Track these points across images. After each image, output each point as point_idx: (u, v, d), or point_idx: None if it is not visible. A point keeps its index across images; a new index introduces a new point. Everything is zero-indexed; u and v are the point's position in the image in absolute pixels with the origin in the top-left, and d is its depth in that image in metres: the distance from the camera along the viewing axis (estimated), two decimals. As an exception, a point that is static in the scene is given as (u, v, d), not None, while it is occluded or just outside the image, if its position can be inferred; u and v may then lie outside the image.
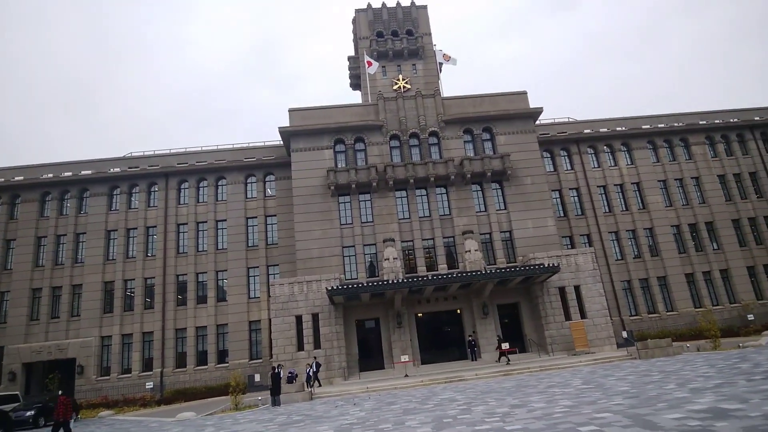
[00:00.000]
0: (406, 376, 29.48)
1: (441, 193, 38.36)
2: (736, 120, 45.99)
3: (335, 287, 30.84)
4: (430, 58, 45.37)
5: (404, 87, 43.86)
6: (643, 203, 42.74)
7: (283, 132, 38.46)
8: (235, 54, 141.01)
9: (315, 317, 32.45)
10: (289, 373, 27.35)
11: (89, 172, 41.06)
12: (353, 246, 36.62)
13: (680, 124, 45.63)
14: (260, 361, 36.57)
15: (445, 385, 23.07)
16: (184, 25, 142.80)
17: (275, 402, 21.57)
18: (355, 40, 49.96)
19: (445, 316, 35.62)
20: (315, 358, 28.91)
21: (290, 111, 39.32)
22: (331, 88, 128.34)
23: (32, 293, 38.20)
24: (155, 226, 40.00)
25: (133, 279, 38.57)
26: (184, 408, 27.52)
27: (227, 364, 36.42)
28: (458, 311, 35.16)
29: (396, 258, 35.15)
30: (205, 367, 36.46)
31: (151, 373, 36.14)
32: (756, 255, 41.83)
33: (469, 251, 35.46)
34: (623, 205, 42.66)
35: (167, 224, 39.88)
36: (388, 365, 33.19)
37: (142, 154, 42.77)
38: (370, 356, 33.98)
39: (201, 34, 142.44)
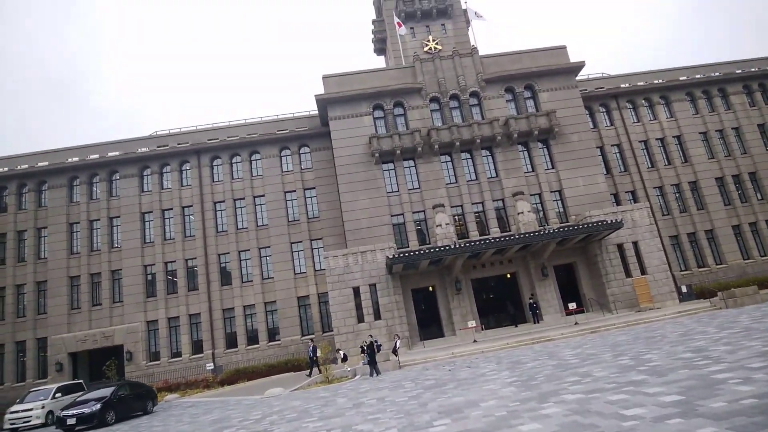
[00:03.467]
0: (475, 341, 28.84)
1: (486, 155, 37.22)
2: (774, 67, 44.85)
3: (393, 256, 29.89)
4: (458, 17, 43.53)
5: (435, 48, 42.15)
6: (686, 156, 41.83)
7: (320, 99, 36.96)
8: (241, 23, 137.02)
9: (372, 288, 31.60)
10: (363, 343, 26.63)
11: (116, 153, 39.44)
12: (402, 214, 35.59)
13: (717, 74, 44.44)
14: (313, 336, 35.77)
15: (536, 346, 22.34)
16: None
17: (375, 371, 20.80)
18: (378, 3, 47.98)
19: (501, 280, 34.89)
20: (398, 336, 27.82)
21: (324, 78, 37.73)
22: (351, 55, 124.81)
23: (70, 281, 37.00)
24: (191, 206, 38.66)
25: (174, 261, 37.39)
26: (251, 387, 26.75)
27: (279, 342, 35.64)
28: (514, 274, 34.40)
29: (448, 224, 34.20)
30: (257, 345, 35.66)
31: (202, 355, 35.31)
32: (802, 203, 41.25)
33: (522, 213, 34.55)
34: (666, 160, 41.72)
35: (204, 203, 38.54)
36: (447, 333, 32.53)
37: (168, 132, 41.15)
38: (428, 325, 33.31)
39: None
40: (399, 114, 37.94)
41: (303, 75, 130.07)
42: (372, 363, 20.93)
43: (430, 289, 34.03)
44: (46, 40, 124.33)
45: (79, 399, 19.50)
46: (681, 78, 43.87)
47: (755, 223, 40.78)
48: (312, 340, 29.50)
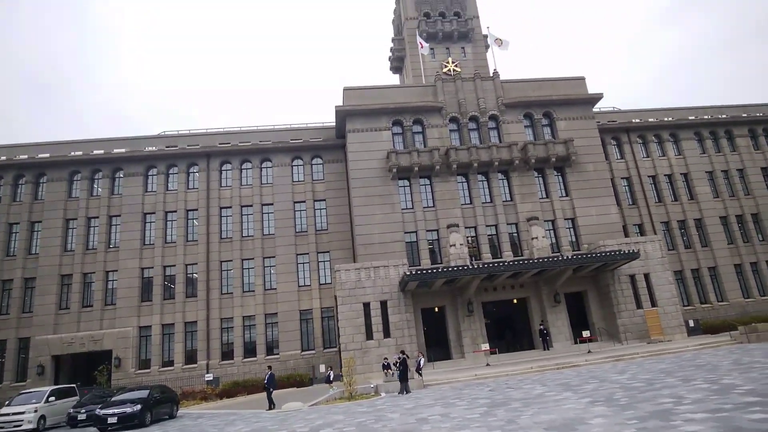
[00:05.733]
0: (488, 365, 27.92)
1: (502, 178, 36.99)
2: (778, 113, 46.15)
3: (410, 273, 29.06)
4: (478, 41, 43.95)
5: (453, 70, 42.28)
6: (692, 194, 42.30)
7: (340, 111, 36.47)
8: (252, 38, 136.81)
9: (384, 305, 30.60)
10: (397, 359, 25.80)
11: (122, 150, 38.13)
12: (415, 231, 34.93)
13: (724, 116, 45.50)
14: (313, 352, 34.43)
15: (566, 370, 21.58)
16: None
17: (405, 389, 19.71)
18: (398, 22, 48.24)
19: (511, 305, 34.23)
20: (422, 354, 26.79)
21: (345, 90, 37.34)
22: (365, 71, 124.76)
23: (61, 280, 35.12)
24: (196, 209, 37.37)
25: (174, 265, 35.88)
26: (254, 401, 25.31)
27: (278, 356, 34.13)
28: (525, 300, 33.80)
29: (462, 244, 33.60)
30: (254, 358, 34.07)
31: (195, 365, 33.56)
32: (803, 247, 41.87)
33: (536, 238, 34.19)
34: (673, 196, 42.10)
35: (209, 207, 37.30)
36: (456, 355, 31.57)
37: (177, 132, 40.08)
38: (435, 346, 32.34)
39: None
40: (417, 131, 37.64)
41: (314, 88, 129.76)
42: (403, 380, 19.86)
43: (437, 309, 33.17)
44: (36, 38, 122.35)
45: (114, 400, 19.39)
46: (690, 117, 44.73)
47: (756, 263, 41.18)
48: (269, 367, 24.06)
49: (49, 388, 23.15)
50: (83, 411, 21.60)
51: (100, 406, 19.92)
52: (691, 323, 34.53)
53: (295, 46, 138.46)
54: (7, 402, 21.26)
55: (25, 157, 37.41)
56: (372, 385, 22.58)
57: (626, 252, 30.52)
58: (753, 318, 35.45)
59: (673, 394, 11.38)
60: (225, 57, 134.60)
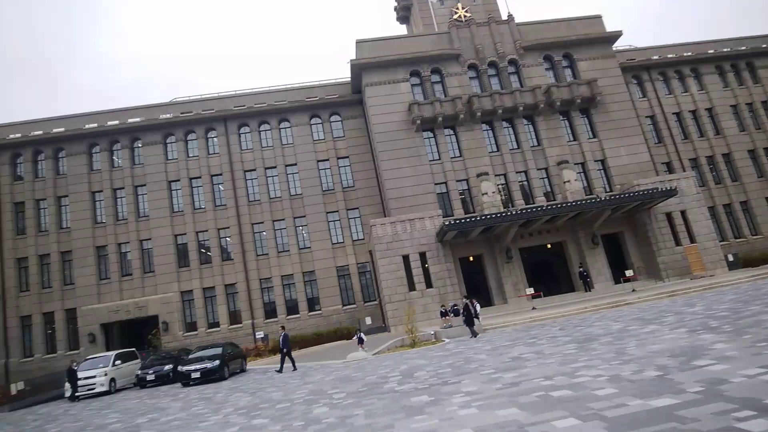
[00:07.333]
0: (534, 308, 28.47)
1: (527, 124, 36.58)
2: (801, 41, 45.07)
3: (448, 223, 29.15)
4: (488, -18, 42.30)
5: (464, 16, 40.95)
6: (717, 129, 41.88)
7: (355, 65, 35.62)
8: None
9: (422, 256, 30.86)
10: (454, 307, 26.60)
11: (138, 119, 37.47)
12: (445, 182, 34.84)
13: (744, 47, 44.46)
14: (354, 306, 35.05)
15: (621, 308, 22.00)
16: None
17: (473, 333, 20.20)
18: (405, -33, 46.32)
19: (548, 249, 34.52)
20: (475, 300, 27.54)
21: (358, 42, 36.34)
22: (369, 25, 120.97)
23: (97, 251, 35.31)
24: (220, 174, 37.13)
25: (206, 231, 35.98)
26: (310, 354, 25.91)
27: (320, 312, 34.77)
28: (561, 244, 34.06)
29: (494, 192, 33.58)
30: (297, 315, 34.71)
31: (240, 325, 34.24)
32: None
33: (569, 181, 34.14)
34: (699, 132, 41.69)
35: (233, 171, 37.03)
36: (498, 301, 32.14)
37: (188, 98, 39.26)
38: (475, 293, 32.58)
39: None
40: (436, 81, 36.89)
41: (312, 49, 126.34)
42: (470, 324, 20.32)
43: (471, 259, 33.50)
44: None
45: (191, 357, 20.58)
46: (709, 51, 43.72)
47: (787, 194, 41.12)
48: (282, 327, 22.01)
49: (113, 353, 23.84)
50: (151, 372, 22.27)
51: (169, 365, 21.47)
52: (730, 257, 34.90)
53: (284, 3, 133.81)
54: (74, 365, 21.73)
55: (41, 132, 36.82)
56: (431, 332, 23.07)
57: (664, 189, 30.53)
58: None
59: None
60: (218, 18, 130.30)
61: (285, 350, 19.64)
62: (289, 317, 34.62)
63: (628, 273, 30.07)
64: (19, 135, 36.62)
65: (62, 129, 37.00)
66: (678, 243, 32.41)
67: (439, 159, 35.10)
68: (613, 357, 10.43)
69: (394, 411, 8.70)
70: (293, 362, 19.86)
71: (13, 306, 34.20)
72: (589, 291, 31.67)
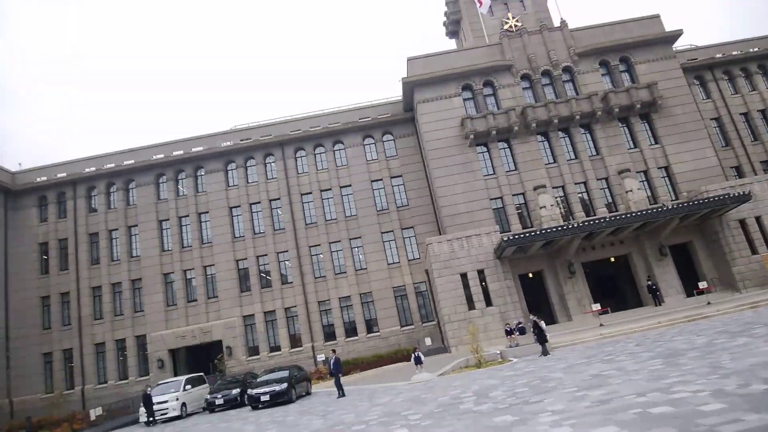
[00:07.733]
0: (601, 325, 27.14)
1: (584, 132, 35.56)
2: None
3: (506, 239, 28.50)
4: (537, -9, 42.00)
5: (515, 25, 40.70)
6: (791, 128, 39.22)
7: (407, 82, 35.96)
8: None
9: (481, 273, 30.25)
10: (519, 325, 26.12)
11: (200, 148, 39.26)
12: (500, 197, 34.24)
13: (816, 39, 41.67)
14: (412, 327, 34.74)
15: (698, 322, 20.65)
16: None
17: (544, 351, 19.55)
18: (451, -16, 46.77)
19: (610, 263, 33.09)
20: (535, 316, 26.92)
21: (409, 60, 36.71)
22: (418, 44, 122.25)
23: (164, 278, 36.92)
24: (278, 198, 38.18)
25: (265, 255, 36.93)
26: (371, 377, 25.84)
27: (378, 333, 34.69)
28: (626, 256, 32.54)
29: (553, 205, 32.66)
30: (356, 337, 34.77)
31: (301, 348, 34.65)
32: None
33: (631, 191, 32.73)
34: (770, 132, 39.18)
35: (291, 195, 37.99)
36: (561, 319, 30.98)
37: (247, 126, 40.78)
38: (537, 311, 31.53)
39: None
40: (488, 94, 36.62)
41: (365, 67, 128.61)
42: (542, 342, 19.67)
43: (530, 275, 32.51)
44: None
45: (259, 381, 21.26)
46: (779, 46, 41.24)
47: None
48: (333, 350, 23.63)
49: (184, 377, 24.52)
50: (219, 396, 22.75)
51: (236, 389, 22.20)
52: (809, 265, 32.20)
53: (331, 23, 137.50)
54: (148, 390, 22.54)
55: (113, 165, 39.20)
56: (497, 351, 22.44)
57: (736, 195, 28.68)
58: None
59: None
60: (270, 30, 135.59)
61: (339, 374, 19.95)
62: (347, 339, 34.72)
63: (702, 285, 28.21)
64: (93, 168, 39.17)
65: (132, 161, 39.30)
66: (754, 251, 30.25)
67: (494, 173, 34.61)
68: (708, 371, 9.73)
69: (480, 431, 8.42)
70: (340, 388, 19.50)
71: (89, 334, 36.14)
72: (660, 305, 29.93)
